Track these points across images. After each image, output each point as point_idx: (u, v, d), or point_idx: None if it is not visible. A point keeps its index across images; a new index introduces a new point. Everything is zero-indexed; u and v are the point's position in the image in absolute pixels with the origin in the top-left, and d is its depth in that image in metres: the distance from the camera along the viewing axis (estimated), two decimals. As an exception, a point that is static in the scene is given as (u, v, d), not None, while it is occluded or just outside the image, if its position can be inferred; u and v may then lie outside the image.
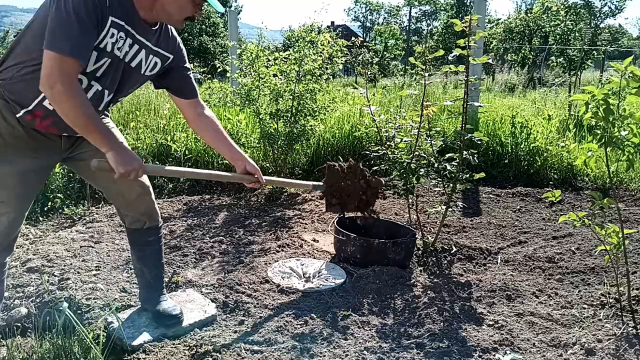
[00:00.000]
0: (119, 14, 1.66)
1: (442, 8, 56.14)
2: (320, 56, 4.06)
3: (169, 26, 1.89)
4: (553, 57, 18.86)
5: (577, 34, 17.94)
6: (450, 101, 2.98)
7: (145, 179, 2.05)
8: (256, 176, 2.11)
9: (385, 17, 65.37)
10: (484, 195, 4.42)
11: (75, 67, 1.57)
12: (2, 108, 1.69)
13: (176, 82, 2.00)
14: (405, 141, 3.04)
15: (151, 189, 2.09)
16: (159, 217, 2.16)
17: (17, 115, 1.70)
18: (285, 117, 4.16)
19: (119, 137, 2.02)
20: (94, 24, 1.59)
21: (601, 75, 13.23)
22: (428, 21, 62.86)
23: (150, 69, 1.87)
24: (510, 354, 1.97)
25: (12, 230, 1.82)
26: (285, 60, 4.13)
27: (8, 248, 1.85)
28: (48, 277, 2.55)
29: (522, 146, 4.97)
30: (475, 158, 2.81)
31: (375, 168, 3.18)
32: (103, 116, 2.02)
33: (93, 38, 1.60)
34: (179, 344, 2.02)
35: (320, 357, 1.95)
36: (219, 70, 4.95)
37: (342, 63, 4.27)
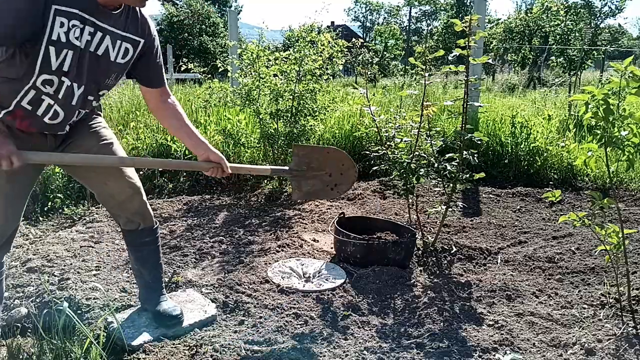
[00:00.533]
0: (69, 2, 1.61)
1: (442, 8, 56.06)
2: (321, 56, 4.06)
3: (138, 10, 1.84)
4: (553, 57, 18.87)
5: (577, 34, 17.95)
6: (450, 101, 2.98)
7: (136, 179, 2.03)
8: (219, 164, 1.97)
9: (385, 17, 65.32)
10: (484, 195, 4.42)
11: None
12: None
13: (144, 69, 1.94)
14: (405, 141, 3.04)
15: (142, 189, 2.07)
16: (152, 217, 2.13)
17: None
18: (285, 117, 4.16)
19: (107, 136, 1.97)
20: (24, 15, 1.55)
21: (601, 75, 13.20)
22: (428, 21, 62.80)
23: (122, 56, 1.82)
24: (510, 354, 1.97)
25: (5, 229, 1.81)
26: (285, 60, 4.13)
27: (4, 247, 1.84)
28: (48, 277, 2.55)
29: (522, 146, 4.97)
30: (475, 158, 2.81)
31: (375, 168, 3.19)
32: (95, 115, 1.99)
33: (18, 28, 1.55)
34: (179, 344, 2.02)
35: (320, 357, 1.95)
36: (220, 70, 4.95)
37: (341, 63, 4.27)
